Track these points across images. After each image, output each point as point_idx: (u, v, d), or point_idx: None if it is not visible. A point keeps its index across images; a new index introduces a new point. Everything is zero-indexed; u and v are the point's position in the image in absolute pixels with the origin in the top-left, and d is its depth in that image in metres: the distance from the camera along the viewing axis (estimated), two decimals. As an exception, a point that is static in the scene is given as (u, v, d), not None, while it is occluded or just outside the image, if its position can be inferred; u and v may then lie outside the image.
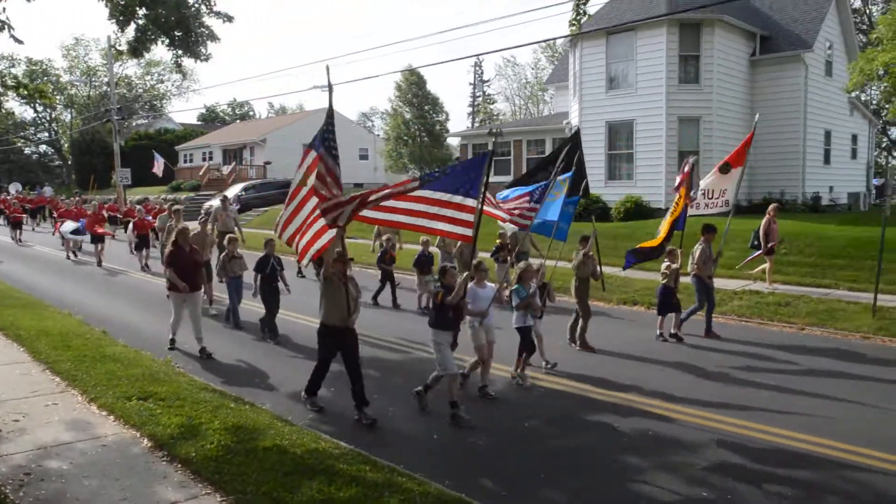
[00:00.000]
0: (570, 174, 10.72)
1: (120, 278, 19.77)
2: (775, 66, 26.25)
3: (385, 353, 11.19)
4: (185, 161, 59.36)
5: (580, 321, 11.43)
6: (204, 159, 56.19)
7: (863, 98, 37.97)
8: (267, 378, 9.87)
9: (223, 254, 12.88)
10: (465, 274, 8.31)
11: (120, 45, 10.11)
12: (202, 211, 21.92)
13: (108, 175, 50.85)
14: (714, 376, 9.96)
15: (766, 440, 7.49)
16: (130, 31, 9.73)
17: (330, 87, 8.45)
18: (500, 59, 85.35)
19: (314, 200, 7.97)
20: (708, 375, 10.02)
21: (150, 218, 22.95)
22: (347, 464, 6.42)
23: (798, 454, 7.09)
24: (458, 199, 7.61)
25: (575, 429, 8.03)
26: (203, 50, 10.19)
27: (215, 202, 34.07)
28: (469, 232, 7.66)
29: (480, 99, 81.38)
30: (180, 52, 10.10)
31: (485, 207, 8.79)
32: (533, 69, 77.34)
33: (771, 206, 16.92)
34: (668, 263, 12.09)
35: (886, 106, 29.15)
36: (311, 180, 7.91)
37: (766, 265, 16.36)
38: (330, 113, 8.17)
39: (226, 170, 49.77)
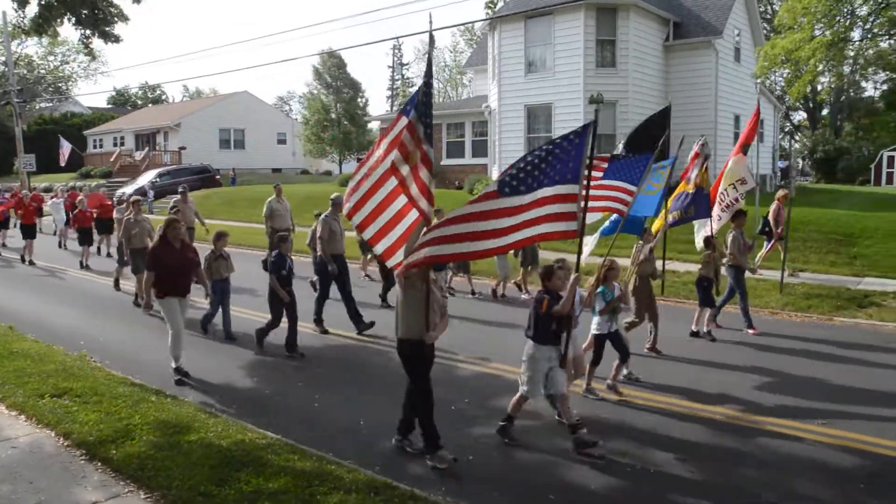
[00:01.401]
0: (670, 161, 9.73)
1: (52, 279, 18.76)
2: (687, 52, 27.02)
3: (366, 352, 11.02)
4: (95, 147, 57.03)
5: (635, 325, 9.98)
6: (115, 144, 54.12)
7: (767, 84, 39.44)
8: (188, 368, 9.50)
9: (208, 252, 11.00)
10: (573, 276, 6.81)
11: (23, 24, 9.59)
12: (114, 199, 20.74)
13: (9, 161, 48.39)
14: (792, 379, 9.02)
15: None
16: (33, 7, 9.25)
17: (431, 37, 7.75)
18: (419, 42, 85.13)
19: (392, 182, 6.57)
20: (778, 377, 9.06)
21: (62, 208, 21.12)
22: (276, 454, 6.31)
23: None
24: (563, 189, 6.27)
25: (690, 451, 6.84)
26: (112, 30, 9.79)
27: (129, 189, 33.05)
28: (573, 226, 6.32)
29: (399, 82, 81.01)
30: (88, 31, 9.67)
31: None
32: (452, 52, 77.53)
33: (781, 192, 16.36)
34: (708, 252, 11.16)
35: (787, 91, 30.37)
36: (394, 155, 6.46)
37: (765, 250, 15.97)
38: (428, 72, 6.66)
39: (139, 155, 48.09)
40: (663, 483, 6.16)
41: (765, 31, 34.63)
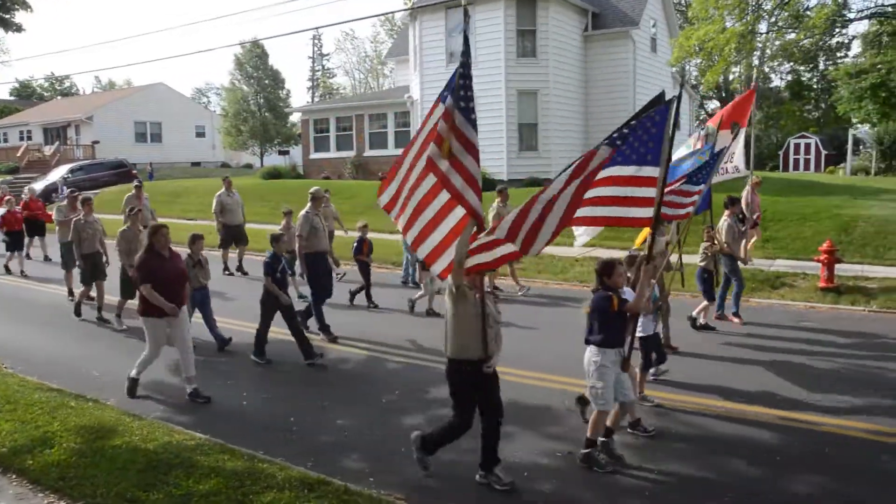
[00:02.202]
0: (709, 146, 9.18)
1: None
2: (606, 42, 27.58)
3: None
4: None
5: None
6: (22, 138, 51.64)
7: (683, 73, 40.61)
8: (112, 372, 9.12)
9: (185, 258, 9.38)
10: (643, 267, 6.06)
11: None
12: (23, 195, 19.56)
13: None
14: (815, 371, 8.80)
15: None
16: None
17: (466, 11, 7.16)
18: (340, 32, 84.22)
19: (431, 179, 5.75)
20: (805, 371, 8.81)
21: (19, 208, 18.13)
22: (205, 455, 6.19)
23: None
24: (646, 171, 5.82)
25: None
26: (13, 18, 9.34)
27: (39, 186, 31.65)
28: (649, 213, 5.83)
29: (320, 73, 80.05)
30: (-14, 19, 9.21)
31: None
32: (372, 43, 77.09)
33: (753, 178, 15.64)
34: (708, 244, 10.77)
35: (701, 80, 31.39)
36: (431, 149, 5.59)
37: (753, 238, 15.35)
38: (465, 50, 5.69)
39: (48, 150, 46.00)
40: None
41: (679, 22, 35.64)
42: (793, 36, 25.86)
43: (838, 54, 46.62)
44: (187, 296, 8.58)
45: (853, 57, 41.06)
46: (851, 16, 24.85)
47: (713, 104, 62.90)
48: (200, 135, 54.13)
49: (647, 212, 5.86)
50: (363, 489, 5.68)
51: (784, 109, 55.87)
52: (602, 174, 5.77)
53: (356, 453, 6.58)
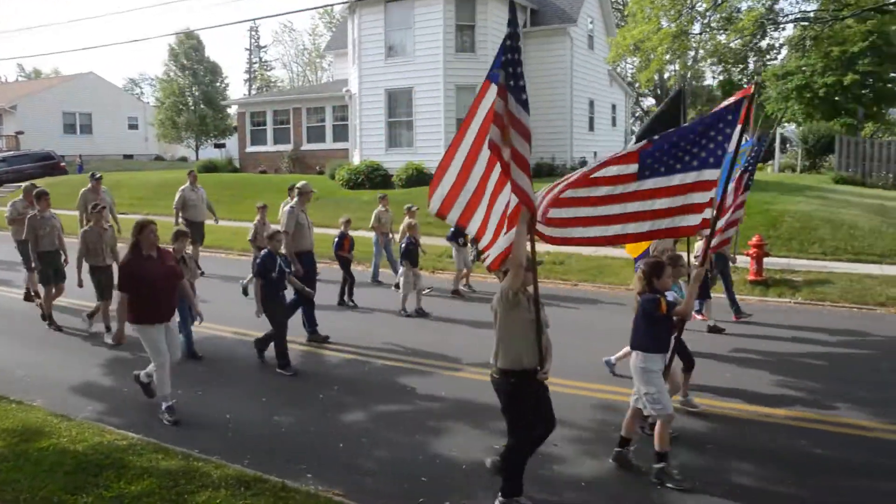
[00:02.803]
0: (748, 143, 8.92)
1: None
2: (544, 38, 27.85)
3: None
4: (-87, 132, 51.97)
5: None
6: (-63, 129, 49.47)
7: (619, 70, 41.32)
8: (39, 373, 8.81)
9: None
10: (694, 272, 5.97)
11: None
12: None
13: None
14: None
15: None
16: None
17: None
18: (278, 24, 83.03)
19: (491, 162, 5.24)
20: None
21: None
22: (138, 455, 6.02)
23: None
24: (707, 174, 5.58)
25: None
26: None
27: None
28: (697, 220, 5.67)
29: (257, 65, 78.76)
30: None
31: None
32: (311, 35, 76.23)
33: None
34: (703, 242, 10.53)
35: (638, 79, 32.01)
36: (492, 131, 4.88)
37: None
38: (512, 19, 4.90)
39: (-34, 141, 44.21)
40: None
41: (616, 20, 36.23)
42: (724, 37, 26.54)
43: (767, 57, 47.99)
44: (189, 296, 8.12)
45: (781, 59, 42.43)
46: (779, 19, 25.58)
47: (649, 101, 64.23)
48: (133, 127, 52.70)
49: (696, 218, 5.68)
50: (300, 486, 5.62)
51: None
52: (652, 184, 5.61)
53: (293, 450, 6.50)
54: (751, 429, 7.01)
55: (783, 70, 39.86)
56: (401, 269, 12.23)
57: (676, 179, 5.62)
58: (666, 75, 44.66)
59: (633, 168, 5.61)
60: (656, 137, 5.77)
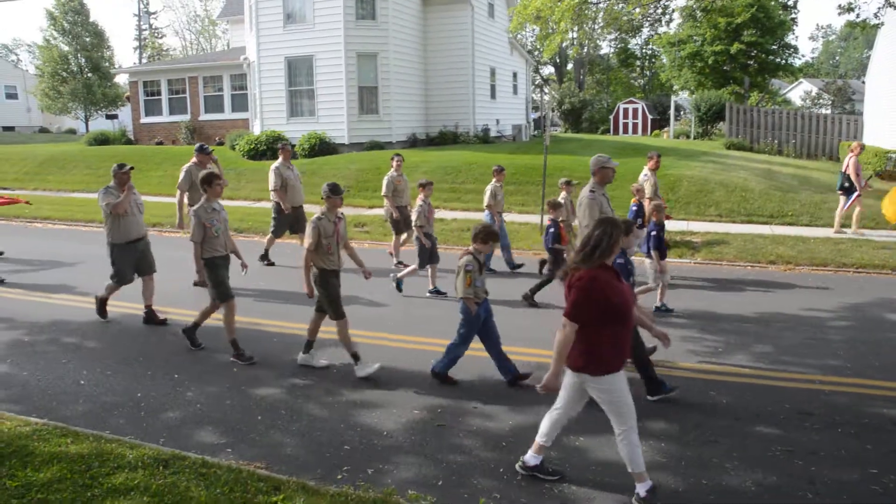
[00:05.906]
0: None
1: None
2: (445, 6, 27.78)
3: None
4: None
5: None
6: None
7: (518, 38, 41.69)
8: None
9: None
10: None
11: None
12: None
13: None
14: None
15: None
16: None
17: None
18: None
19: None
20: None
21: None
22: (44, 440, 5.76)
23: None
24: None
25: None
26: None
27: None
28: None
29: (147, 32, 75.25)
30: None
31: None
32: (202, 2, 73.32)
33: (856, 143, 15.29)
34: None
35: (539, 47, 32.41)
36: None
37: (857, 209, 14.87)
38: None
39: None
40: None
41: (515, -11, 36.48)
42: (622, 6, 27.17)
43: (660, 26, 49.44)
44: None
45: (675, 27, 43.83)
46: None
47: (548, 69, 65.16)
48: (12, 96, 49.69)
49: None
50: (221, 461, 5.54)
51: (613, 76, 59.20)
52: None
53: (210, 426, 6.38)
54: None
55: (676, 37, 41.23)
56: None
57: None
58: (564, 44, 45.35)
59: None
60: None
